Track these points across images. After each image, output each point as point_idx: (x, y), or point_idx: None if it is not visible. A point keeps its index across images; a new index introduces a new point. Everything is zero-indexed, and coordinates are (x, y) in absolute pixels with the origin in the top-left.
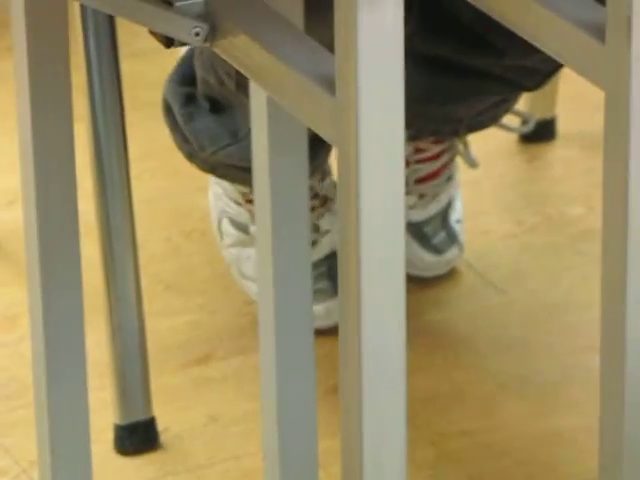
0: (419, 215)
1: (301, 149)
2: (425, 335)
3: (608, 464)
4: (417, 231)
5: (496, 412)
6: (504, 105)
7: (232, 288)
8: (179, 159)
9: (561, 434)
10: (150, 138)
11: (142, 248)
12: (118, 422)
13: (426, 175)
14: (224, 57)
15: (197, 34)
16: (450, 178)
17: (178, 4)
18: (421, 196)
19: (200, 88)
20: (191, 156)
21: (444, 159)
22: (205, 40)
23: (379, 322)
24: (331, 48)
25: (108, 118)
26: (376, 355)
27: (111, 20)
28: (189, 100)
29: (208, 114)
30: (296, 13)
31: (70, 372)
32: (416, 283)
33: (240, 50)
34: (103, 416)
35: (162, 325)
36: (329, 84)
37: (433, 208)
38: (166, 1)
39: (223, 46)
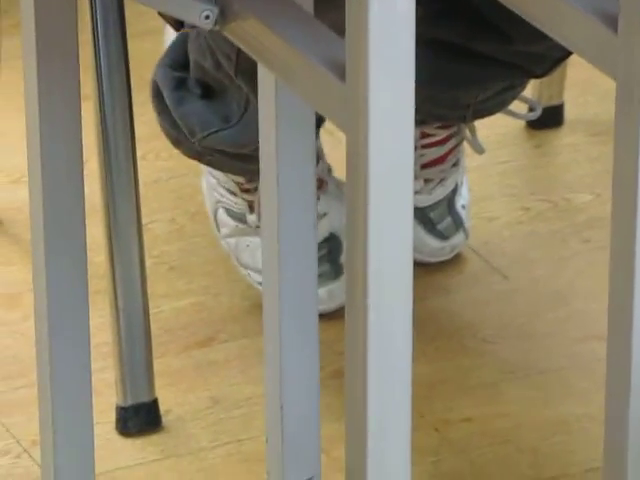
0: (425, 200)
1: (309, 134)
2: (429, 321)
3: (613, 453)
4: (423, 216)
5: (500, 399)
6: (511, 91)
7: (236, 271)
8: None
9: (565, 422)
10: (156, 119)
11: (146, 229)
12: (121, 403)
13: (432, 160)
14: (233, 40)
15: (207, 17)
16: (456, 163)
17: None
18: (427, 181)
19: (193, 73)
20: (177, 142)
21: (451, 144)
22: (215, 23)
23: (385, 308)
24: (341, 33)
25: (115, 98)
26: (382, 341)
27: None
28: (180, 85)
29: (199, 99)
30: None
31: (73, 353)
32: (421, 268)
33: (249, 34)
34: (106, 397)
35: (166, 307)
36: (339, 69)
37: (439, 193)
38: None
39: (232, 29)
